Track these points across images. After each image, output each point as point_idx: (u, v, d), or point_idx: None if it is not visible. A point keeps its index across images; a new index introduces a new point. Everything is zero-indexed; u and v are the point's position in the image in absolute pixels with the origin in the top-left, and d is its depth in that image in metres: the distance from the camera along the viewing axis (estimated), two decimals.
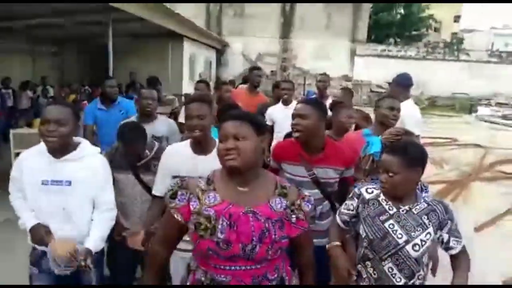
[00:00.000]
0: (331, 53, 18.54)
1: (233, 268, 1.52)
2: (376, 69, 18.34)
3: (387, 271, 1.89)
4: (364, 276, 1.97)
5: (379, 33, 23.84)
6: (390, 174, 1.86)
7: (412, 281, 1.87)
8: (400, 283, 1.88)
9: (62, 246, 1.97)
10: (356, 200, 2.02)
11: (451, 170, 7.65)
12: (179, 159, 2.24)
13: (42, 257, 2.13)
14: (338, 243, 2.06)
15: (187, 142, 2.30)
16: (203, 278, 1.57)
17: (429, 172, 7.02)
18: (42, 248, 2.10)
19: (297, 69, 19.01)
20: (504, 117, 15.48)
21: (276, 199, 1.58)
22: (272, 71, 18.62)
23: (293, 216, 1.57)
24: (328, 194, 2.47)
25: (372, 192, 1.99)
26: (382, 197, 1.95)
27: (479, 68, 19.45)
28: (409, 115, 3.33)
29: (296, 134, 2.40)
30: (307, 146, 2.41)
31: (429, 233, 1.86)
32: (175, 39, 11.70)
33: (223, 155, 1.53)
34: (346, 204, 2.08)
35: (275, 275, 1.59)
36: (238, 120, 1.56)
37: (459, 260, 1.91)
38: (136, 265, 2.85)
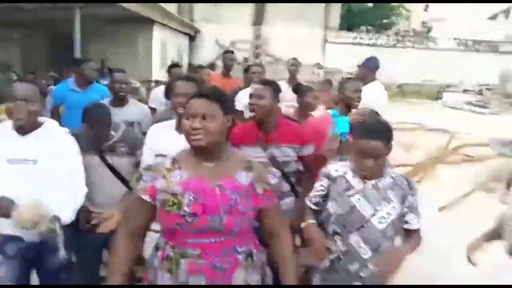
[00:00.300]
0: (303, 40, 18.59)
1: (201, 241, 1.55)
2: (348, 56, 18.48)
3: (354, 244, 1.97)
4: (334, 249, 2.05)
5: (351, 21, 24.02)
6: (376, 158, 1.91)
7: (377, 252, 1.95)
8: (366, 256, 1.96)
9: (28, 208, 1.92)
10: (326, 179, 2.08)
11: (418, 154, 7.90)
12: (163, 138, 2.27)
13: (6, 243, 2.09)
14: (313, 221, 2.12)
15: (173, 122, 2.34)
16: (171, 254, 1.60)
17: (397, 155, 7.24)
18: (5, 231, 2.06)
19: (270, 56, 18.99)
20: (469, 103, 16.02)
21: (241, 173, 1.62)
22: (245, 58, 18.54)
23: (259, 187, 1.61)
24: (287, 175, 2.54)
25: (339, 170, 2.06)
26: (349, 173, 2.01)
27: (447, 56, 19.97)
28: (377, 96, 3.45)
29: (253, 114, 2.48)
30: (263, 126, 2.49)
31: (393, 206, 1.95)
32: (145, 24, 11.47)
33: (190, 134, 1.55)
34: (315, 187, 2.14)
35: (244, 248, 1.63)
36: (206, 99, 1.57)
37: (411, 237, 2.01)
38: (102, 250, 2.78)
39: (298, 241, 3.20)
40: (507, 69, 19.94)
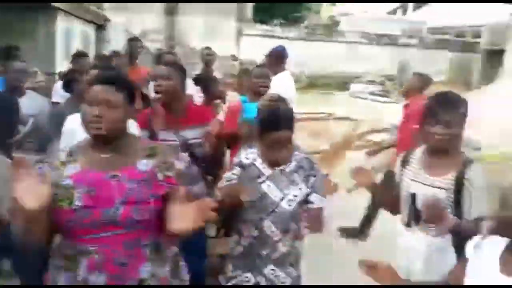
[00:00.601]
0: (218, 32, 18.53)
1: (98, 235, 1.48)
2: (261, 48, 18.78)
3: (266, 229, 2.03)
4: (246, 235, 2.08)
5: (265, 13, 24.50)
6: (286, 147, 1.96)
7: (287, 236, 2.03)
8: (276, 239, 2.03)
9: None
10: (237, 168, 2.10)
11: (327, 141, 8.36)
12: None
13: None
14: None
15: None
16: (69, 252, 1.50)
17: (308, 143, 7.59)
18: None
19: (185, 47, 18.64)
20: (372, 93, 17.29)
21: (142, 160, 1.57)
22: (158, 49, 17.98)
23: (160, 174, 1.56)
24: (196, 157, 2.52)
25: (249, 157, 2.09)
26: (258, 160, 2.06)
27: (353, 48, 21.29)
28: (286, 87, 3.55)
29: (158, 96, 2.40)
30: (172, 109, 2.43)
31: (300, 188, 2.04)
32: (47, 12, 10.56)
33: (89, 121, 1.46)
34: (226, 176, 2.14)
35: (149, 240, 1.59)
36: (111, 85, 1.48)
37: (313, 216, 2.10)
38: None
39: (212, 231, 3.22)
40: (404, 60, 21.85)
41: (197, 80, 3.40)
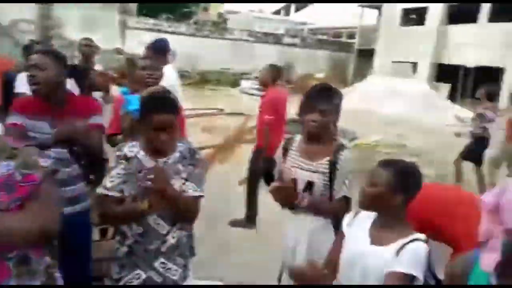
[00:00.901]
0: (100, 24, 17.45)
1: None
2: (148, 43, 18.28)
3: (152, 223, 1.94)
4: (129, 234, 1.97)
5: (151, 7, 23.71)
6: (170, 131, 1.88)
7: (175, 227, 1.97)
8: (164, 231, 1.96)
9: None
10: (123, 161, 1.97)
11: (219, 136, 8.44)
12: None
13: None
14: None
15: None
16: None
17: (200, 138, 7.58)
18: None
19: (62, 39, 17.16)
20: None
21: (3, 163, 1.38)
22: (31, 40, 16.27)
23: (19, 174, 1.39)
24: (77, 154, 2.33)
25: (133, 150, 1.98)
26: (141, 153, 1.96)
27: (241, 46, 21.84)
28: (169, 80, 3.46)
29: (34, 87, 2.16)
30: (50, 100, 2.21)
31: (183, 178, 1.99)
32: None
33: None
34: (111, 173, 2.00)
35: (15, 252, 1.40)
36: None
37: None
38: None
39: (97, 234, 3.02)
40: (289, 58, 23.13)
41: (70, 72, 3.11)
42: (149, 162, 1.94)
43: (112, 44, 17.69)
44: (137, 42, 18.95)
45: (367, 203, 1.70)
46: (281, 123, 4.26)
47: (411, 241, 1.58)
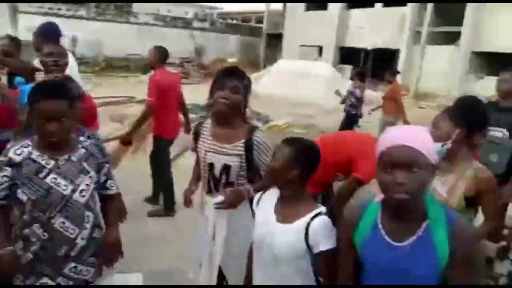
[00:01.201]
0: None
1: None
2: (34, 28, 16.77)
3: (58, 227, 1.79)
4: (34, 240, 1.80)
5: None
6: (61, 121, 1.71)
7: (83, 227, 1.84)
8: (73, 235, 1.82)
9: None
10: (8, 169, 1.76)
11: (130, 125, 8.07)
12: None
13: None
14: None
15: None
16: None
17: (110, 129, 7.17)
18: None
19: None
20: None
21: None
22: None
23: None
24: None
25: (22, 152, 1.77)
26: (35, 153, 1.77)
27: (148, 30, 20.96)
28: (71, 67, 3.22)
29: None
30: None
31: (90, 176, 1.86)
32: None
33: None
34: None
35: None
36: None
37: (112, 202, 2.02)
38: None
39: None
40: (201, 43, 22.80)
41: None
42: (47, 162, 1.76)
43: (4, 30, 15.90)
44: (30, 27, 17.28)
45: (268, 176, 1.85)
46: (171, 105, 4.14)
47: (315, 216, 1.64)
